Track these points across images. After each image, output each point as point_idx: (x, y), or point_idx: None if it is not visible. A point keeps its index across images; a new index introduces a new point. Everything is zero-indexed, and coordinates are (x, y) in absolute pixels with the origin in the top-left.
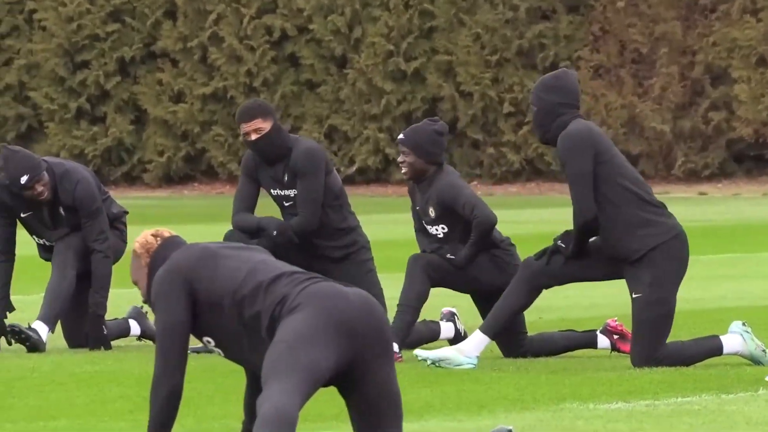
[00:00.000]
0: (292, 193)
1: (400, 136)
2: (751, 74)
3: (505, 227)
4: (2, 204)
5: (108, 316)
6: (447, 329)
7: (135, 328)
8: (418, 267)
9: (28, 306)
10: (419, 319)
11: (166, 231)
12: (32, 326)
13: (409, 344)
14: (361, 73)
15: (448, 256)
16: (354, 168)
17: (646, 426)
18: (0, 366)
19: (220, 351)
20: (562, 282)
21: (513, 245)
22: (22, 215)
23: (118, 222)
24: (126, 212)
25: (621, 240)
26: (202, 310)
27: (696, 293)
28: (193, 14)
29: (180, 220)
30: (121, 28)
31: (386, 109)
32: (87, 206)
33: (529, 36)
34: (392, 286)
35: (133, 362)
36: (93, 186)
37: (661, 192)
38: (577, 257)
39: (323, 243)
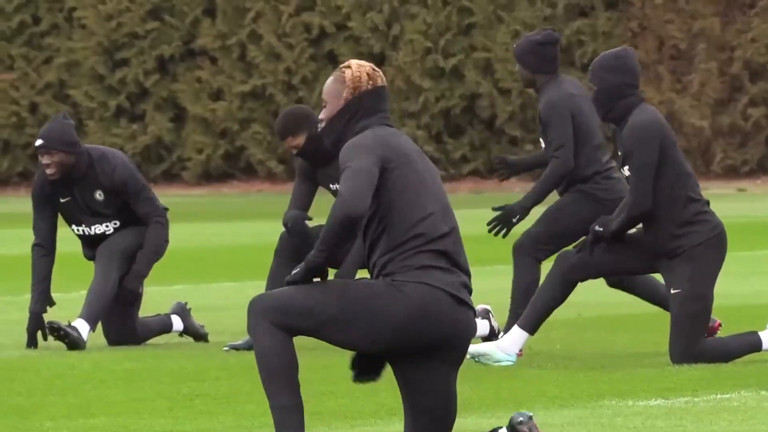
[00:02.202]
0: None
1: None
2: None
3: None
4: (43, 194)
5: (150, 312)
6: (482, 326)
7: (178, 324)
8: (526, 256)
9: (68, 304)
10: None
11: (380, 77)
12: (73, 324)
13: None
14: (399, 70)
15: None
16: None
17: (685, 423)
18: (40, 364)
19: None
20: (599, 274)
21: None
22: (61, 200)
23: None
24: (166, 209)
25: (665, 235)
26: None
27: (734, 289)
28: (232, 12)
29: (219, 217)
30: (161, 26)
31: (424, 107)
32: (131, 186)
33: (567, 33)
34: None
35: (172, 360)
36: (133, 168)
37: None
38: (615, 246)
39: None
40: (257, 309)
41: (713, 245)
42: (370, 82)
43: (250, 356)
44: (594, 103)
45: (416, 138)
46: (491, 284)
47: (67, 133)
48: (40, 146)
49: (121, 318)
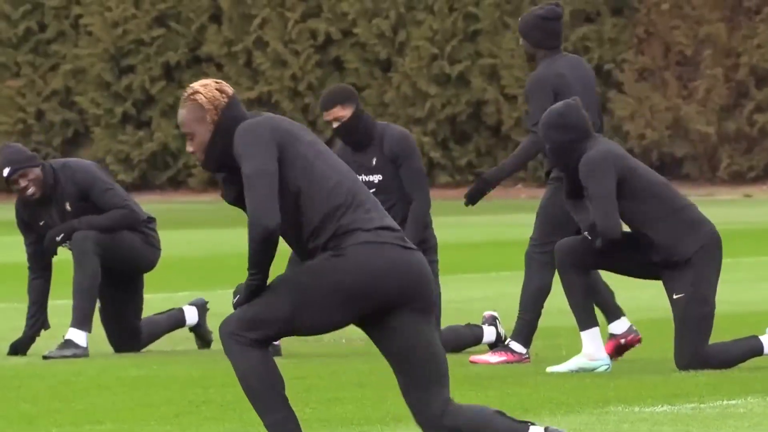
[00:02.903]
0: (377, 178)
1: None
2: None
3: None
4: (21, 222)
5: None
6: (489, 333)
7: (192, 316)
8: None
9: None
10: (463, 323)
11: (227, 86)
12: (67, 338)
13: (454, 348)
14: (405, 76)
15: None
16: None
17: (691, 429)
18: (46, 371)
19: None
20: (597, 266)
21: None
22: (40, 224)
23: (142, 226)
24: (152, 218)
25: (662, 250)
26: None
27: (740, 296)
28: (238, 19)
29: (224, 224)
30: (167, 33)
31: (430, 113)
32: (92, 185)
33: (573, 39)
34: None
35: (179, 366)
36: (95, 170)
37: (705, 194)
38: (617, 247)
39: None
40: (226, 332)
41: (710, 249)
42: (224, 96)
43: None
44: (550, 158)
45: (422, 144)
46: (496, 290)
47: (23, 151)
48: (11, 172)
49: (120, 323)
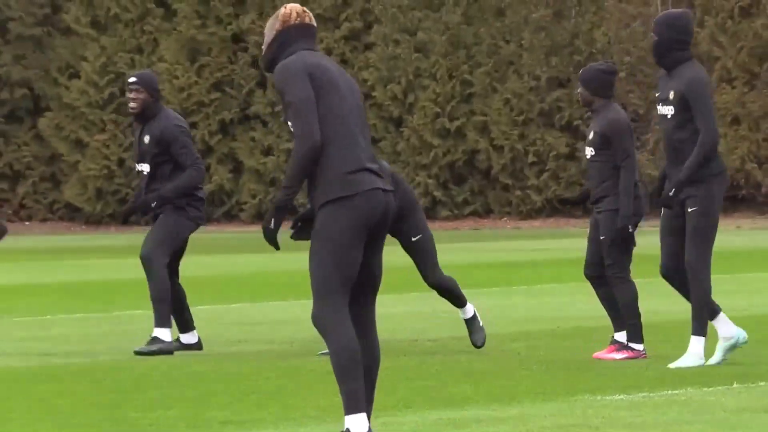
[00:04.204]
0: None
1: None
2: (727, 131)
3: (530, 255)
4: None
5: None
6: (469, 309)
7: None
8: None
9: (147, 319)
10: (454, 330)
11: (309, 17)
12: (153, 335)
13: (449, 289)
14: (414, 131)
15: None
16: None
17: (643, 413)
18: (127, 366)
19: None
20: (679, 253)
21: None
22: (134, 134)
23: (190, 200)
24: (200, 198)
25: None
26: None
27: (674, 307)
28: None
29: (268, 249)
30: (222, 96)
31: (434, 160)
32: (173, 140)
33: (549, 100)
34: (434, 304)
35: (232, 363)
36: (179, 134)
37: (654, 225)
38: (668, 227)
39: None
40: (318, 322)
41: (724, 176)
42: (298, 19)
43: (295, 361)
44: (653, 50)
45: (427, 185)
46: (483, 303)
47: (155, 80)
48: (132, 82)
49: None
